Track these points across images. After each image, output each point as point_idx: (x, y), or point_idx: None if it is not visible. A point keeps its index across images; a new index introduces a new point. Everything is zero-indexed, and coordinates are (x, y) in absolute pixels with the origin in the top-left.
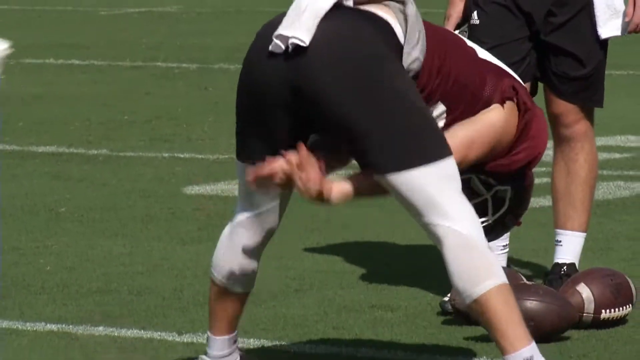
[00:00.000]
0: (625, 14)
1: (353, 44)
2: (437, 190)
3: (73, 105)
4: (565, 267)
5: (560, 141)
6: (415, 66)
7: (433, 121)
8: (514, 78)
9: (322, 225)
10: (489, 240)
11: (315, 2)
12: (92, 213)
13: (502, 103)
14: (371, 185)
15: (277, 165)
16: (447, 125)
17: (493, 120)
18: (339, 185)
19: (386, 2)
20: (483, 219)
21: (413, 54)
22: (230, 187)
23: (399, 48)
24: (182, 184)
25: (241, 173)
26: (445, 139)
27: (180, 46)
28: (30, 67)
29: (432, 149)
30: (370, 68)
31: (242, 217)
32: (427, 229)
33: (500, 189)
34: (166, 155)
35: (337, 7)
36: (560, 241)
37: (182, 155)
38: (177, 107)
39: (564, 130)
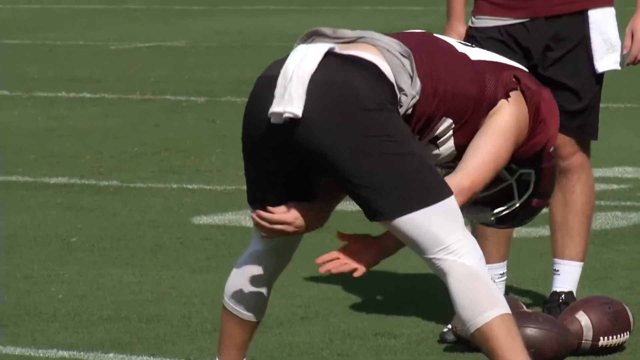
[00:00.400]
0: (622, 47)
1: (344, 99)
2: (439, 229)
3: (84, 137)
4: (563, 296)
5: (558, 173)
6: (415, 101)
7: (430, 164)
8: (514, 67)
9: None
10: (517, 224)
11: (299, 67)
12: (103, 243)
13: (506, 97)
14: (394, 244)
15: (290, 216)
16: (456, 133)
17: (506, 124)
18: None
19: (370, 40)
20: (510, 204)
21: (410, 94)
22: (238, 217)
23: (389, 87)
24: (190, 214)
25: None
26: (443, 180)
27: (188, 80)
28: (42, 101)
29: (432, 191)
30: (364, 121)
31: (256, 250)
32: (431, 263)
33: (523, 172)
34: (175, 186)
35: (325, 55)
36: (558, 270)
37: (190, 186)
38: (185, 139)
39: (561, 162)
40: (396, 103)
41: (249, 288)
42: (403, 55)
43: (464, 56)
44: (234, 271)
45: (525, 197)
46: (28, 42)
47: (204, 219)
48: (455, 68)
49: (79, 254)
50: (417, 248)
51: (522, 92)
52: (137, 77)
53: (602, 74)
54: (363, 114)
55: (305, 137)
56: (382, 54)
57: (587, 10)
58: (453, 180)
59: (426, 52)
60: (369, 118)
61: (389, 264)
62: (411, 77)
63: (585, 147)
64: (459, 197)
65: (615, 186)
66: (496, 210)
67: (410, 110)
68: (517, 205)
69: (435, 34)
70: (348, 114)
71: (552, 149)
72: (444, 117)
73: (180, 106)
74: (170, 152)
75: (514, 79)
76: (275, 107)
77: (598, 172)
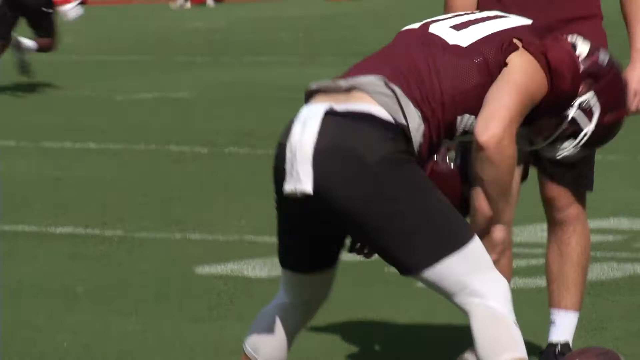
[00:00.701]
0: None
1: (350, 165)
2: (466, 273)
3: (89, 188)
4: (559, 347)
5: (554, 224)
6: (422, 130)
7: (450, 208)
8: (513, 29)
9: (328, 305)
10: (604, 143)
11: (302, 139)
12: (108, 292)
13: (505, 63)
14: None
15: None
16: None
17: (509, 72)
18: None
19: (361, 87)
20: (585, 131)
21: (412, 127)
22: (240, 267)
23: (392, 132)
24: (193, 264)
25: (284, 273)
26: (464, 224)
27: (192, 130)
28: (48, 151)
29: (452, 239)
30: (374, 184)
31: (283, 302)
32: (458, 305)
33: (581, 101)
34: (178, 236)
35: (325, 115)
36: (554, 321)
37: (193, 237)
38: (189, 189)
39: (557, 214)
40: (405, 144)
41: (271, 338)
42: (391, 90)
43: (457, 48)
44: (259, 319)
45: (595, 118)
46: (35, 93)
47: (206, 269)
48: (451, 69)
49: (84, 304)
50: (445, 293)
51: (527, 50)
52: (142, 128)
53: None
54: (371, 177)
55: (320, 208)
56: (375, 99)
57: None
58: (474, 138)
59: (417, 68)
60: (378, 180)
61: (388, 314)
62: (404, 113)
63: (580, 199)
64: (487, 150)
65: (611, 237)
66: (576, 141)
67: (422, 139)
68: (592, 128)
69: (429, 29)
70: (356, 180)
71: (606, 59)
72: (459, 116)
73: (184, 156)
74: (174, 203)
75: (515, 42)
76: (287, 186)
77: (594, 223)
